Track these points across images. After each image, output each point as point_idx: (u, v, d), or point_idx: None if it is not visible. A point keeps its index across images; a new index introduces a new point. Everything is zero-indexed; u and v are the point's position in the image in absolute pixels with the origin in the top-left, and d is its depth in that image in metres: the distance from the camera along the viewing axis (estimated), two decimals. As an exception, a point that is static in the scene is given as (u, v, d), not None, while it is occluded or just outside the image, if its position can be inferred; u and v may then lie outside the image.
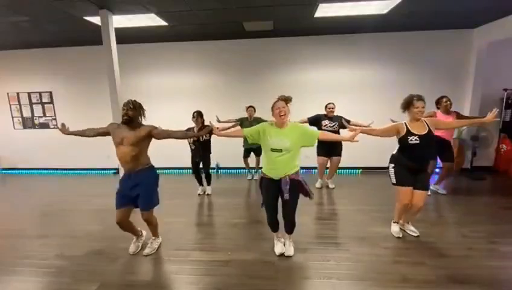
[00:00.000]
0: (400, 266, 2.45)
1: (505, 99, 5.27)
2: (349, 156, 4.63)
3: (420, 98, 2.64)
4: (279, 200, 2.50)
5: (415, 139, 2.62)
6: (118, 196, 2.59)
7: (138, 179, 2.53)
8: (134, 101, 2.51)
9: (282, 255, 2.65)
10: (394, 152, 2.84)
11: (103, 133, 2.59)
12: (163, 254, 2.77)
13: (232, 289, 2.24)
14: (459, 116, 3.82)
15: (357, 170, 5.75)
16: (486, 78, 5.16)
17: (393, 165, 2.80)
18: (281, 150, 2.34)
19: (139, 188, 2.53)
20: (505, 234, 2.97)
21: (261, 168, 5.35)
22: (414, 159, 2.69)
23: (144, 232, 2.96)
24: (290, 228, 2.60)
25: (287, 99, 2.40)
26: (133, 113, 2.45)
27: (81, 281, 2.39)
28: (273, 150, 2.36)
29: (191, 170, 4.53)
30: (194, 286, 2.31)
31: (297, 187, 2.44)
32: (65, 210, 4.08)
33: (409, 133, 2.64)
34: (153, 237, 2.86)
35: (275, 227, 2.68)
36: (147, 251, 2.76)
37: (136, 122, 2.50)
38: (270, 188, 2.46)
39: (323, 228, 3.28)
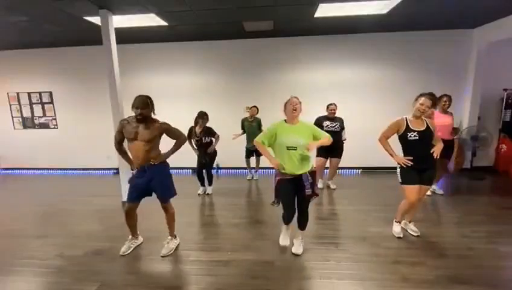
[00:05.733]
0: (400, 266, 2.45)
1: (505, 99, 5.27)
2: (349, 156, 4.63)
3: (427, 95, 2.64)
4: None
5: (414, 136, 2.63)
6: (132, 189, 2.63)
7: (153, 173, 2.57)
8: (146, 97, 2.49)
9: (284, 248, 2.72)
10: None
11: (122, 134, 2.58)
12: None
13: (232, 289, 2.24)
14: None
15: (357, 170, 5.75)
16: (486, 78, 5.16)
17: (399, 165, 2.81)
18: (296, 147, 2.40)
19: (155, 182, 2.59)
20: (505, 234, 2.97)
21: (261, 168, 5.42)
22: (417, 157, 2.69)
23: (141, 238, 2.96)
24: (304, 223, 2.66)
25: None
26: (146, 112, 2.46)
27: (81, 281, 2.38)
28: (289, 148, 2.42)
29: (190, 170, 4.53)
30: (194, 286, 2.31)
31: (313, 180, 2.53)
32: (65, 210, 4.08)
33: (408, 129, 2.67)
34: (170, 237, 2.83)
35: (290, 219, 2.64)
36: (163, 251, 2.74)
37: (149, 118, 2.52)
38: (289, 188, 2.50)
39: (323, 228, 3.28)
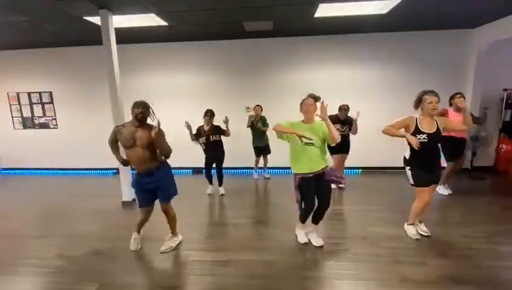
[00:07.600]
0: (400, 266, 2.45)
1: (505, 99, 5.26)
2: (350, 156, 4.63)
3: (433, 92, 2.60)
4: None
5: (423, 138, 2.60)
6: (143, 195, 2.66)
7: (160, 175, 2.61)
8: (146, 101, 2.57)
9: (306, 244, 2.84)
10: (406, 155, 2.80)
11: (116, 140, 2.62)
12: (163, 254, 2.77)
13: (232, 289, 2.24)
14: None
15: (357, 170, 5.75)
16: (486, 78, 5.15)
17: (409, 167, 2.80)
18: (313, 143, 2.50)
19: (160, 182, 2.61)
20: (505, 234, 2.97)
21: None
22: (425, 158, 2.68)
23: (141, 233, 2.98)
24: (319, 218, 2.79)
25: (316, 98, 2.59)
26: (147, 112, 2.52)
27: (81, 281, 2.39)
28: (306, 143, 2.50)
29: (191, 170, 4.52)
30: (194, 286, 2.31)
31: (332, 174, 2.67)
32: (65, 210, 4.08)
33: (417, 130, 2.63)
34: (170, 235, 2.87)
35: (309, 216, 2.81)
36: (162, 248, 2.80)
37: (146, 122, 2.56)
38: (311, 186, 2.60)
39: (323, 227, 3.27)
